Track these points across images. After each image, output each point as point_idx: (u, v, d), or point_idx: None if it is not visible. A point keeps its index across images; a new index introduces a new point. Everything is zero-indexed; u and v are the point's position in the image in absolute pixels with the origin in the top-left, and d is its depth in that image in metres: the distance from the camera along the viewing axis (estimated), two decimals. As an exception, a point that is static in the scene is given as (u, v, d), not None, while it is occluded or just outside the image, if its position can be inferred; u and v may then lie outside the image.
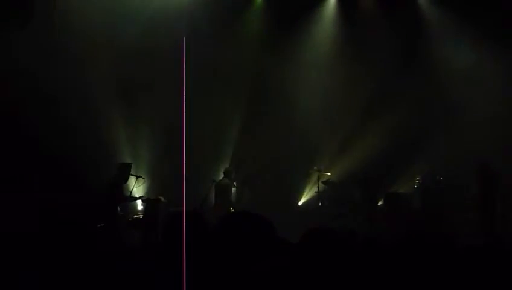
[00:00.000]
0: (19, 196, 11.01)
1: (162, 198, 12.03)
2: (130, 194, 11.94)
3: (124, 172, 11.64)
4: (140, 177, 12.28)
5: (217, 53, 13.73)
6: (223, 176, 13.07)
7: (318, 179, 13.40)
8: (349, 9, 14.63)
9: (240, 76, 14.08)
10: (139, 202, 12.45)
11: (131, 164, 11.90)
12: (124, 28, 13.05)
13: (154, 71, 13.29)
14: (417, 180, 13.92)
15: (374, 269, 4.24)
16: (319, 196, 13.48)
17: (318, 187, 13.43)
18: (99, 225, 10.04)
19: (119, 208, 11.45)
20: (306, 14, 14.65)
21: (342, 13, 14.71)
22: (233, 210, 12.22)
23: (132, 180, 11.98)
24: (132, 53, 13.14)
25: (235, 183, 13.32)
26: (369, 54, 14.32)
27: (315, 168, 13.55)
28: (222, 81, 13.90)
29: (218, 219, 3.13)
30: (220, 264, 2.85)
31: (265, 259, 2.55)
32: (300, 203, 14.46)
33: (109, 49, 12.91)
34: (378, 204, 13.51)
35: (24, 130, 11.78)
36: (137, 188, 12.25)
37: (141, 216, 12.11)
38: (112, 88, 13.09)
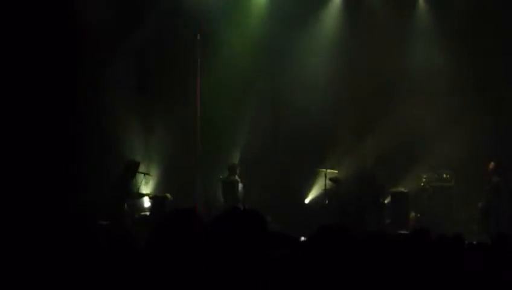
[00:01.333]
0: (25, 194, 11.07)
1: (168, 195, 12.07)
2: (137, 191, 11.97)
3: (132, 169, 11.67)
4: (148, 174, 12.32)
5: (225, 49, 13.79)
6: (228, 173, 13.10)
7: (325, 177, 13.37)
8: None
9: (248, 74, 14.06)
10: (146, 199, 12.48)
11: (139, 162, 11.93)
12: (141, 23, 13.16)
13: (166, 69, 13.35)
14: (424, 178, 13.90)
15: (380, 266, 4.24)
16: (326, 194, 13.45)
17: (325, 185, 13.41)
18: (103, 223, 10.09)
19: (126, 205, 11.49)
20: (312, 5, 14.63)
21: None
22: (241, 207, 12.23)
23: (139, 178, 12.02)
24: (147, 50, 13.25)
25: (240, 179, 13.35)
26: (375, 46, 14.31)
27: (322, 165, 13.53)
28: (231, 79, 13.90)
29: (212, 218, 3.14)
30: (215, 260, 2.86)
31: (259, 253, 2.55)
32: (307, 201, 14.44)
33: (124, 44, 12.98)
34: (385, 202, 13.48)
35: (32, 127, 11.84)
36: (144, 185, 12.29)
37: (148, 213, 12.15)
38: (125, 85, 13.11)
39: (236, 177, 13.08)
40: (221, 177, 13.18)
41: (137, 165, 11.80)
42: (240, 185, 13.18)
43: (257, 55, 14.17)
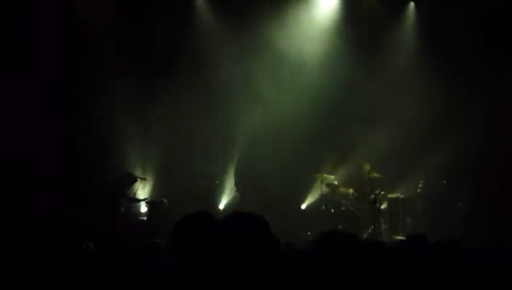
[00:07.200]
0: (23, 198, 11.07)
1: (165, 200, 12.07)
2: (134, 196, 11.98)
3: (126, 182, 11.71)
4: (145, 179, 12.30)
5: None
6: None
7: (322, 182, 13.36)
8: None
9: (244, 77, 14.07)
10: (142, 204, 12.47)
11: (136, 180, 11.92)
12: None
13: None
14: (420, 183, 13.90)
15: (376, 272, 4.23)
16: (322, 199, 13.44)
17: (321, 190, 13.39)
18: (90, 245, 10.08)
19: (122, 209, 11.50)
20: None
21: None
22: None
23: (136, 183, 12.03)
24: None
25: (238, 186, 13.38)
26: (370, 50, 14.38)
27: (319, 171, 13.52)
28: (228, 83, 13.91)
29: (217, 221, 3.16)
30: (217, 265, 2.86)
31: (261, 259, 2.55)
32: (304, 206, 14.43)
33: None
34: (382, 207, 13.48)
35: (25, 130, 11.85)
36: (141, 190, 12.28)
37: (145, 218, 12.14)
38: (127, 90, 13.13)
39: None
40: (217, 182, 13.20)
41: (133, 180, 11.84)
42: (236, 193, 13.25)
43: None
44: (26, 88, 11.92)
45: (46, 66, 12.20)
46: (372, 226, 12.28)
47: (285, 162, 14.09)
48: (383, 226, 13.10)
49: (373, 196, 12.00)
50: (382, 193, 13.30)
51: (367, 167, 12.86)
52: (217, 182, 13.17)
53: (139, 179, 12.05)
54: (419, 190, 13.90)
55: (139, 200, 12.22)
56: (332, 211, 13.17)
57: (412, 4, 14.94)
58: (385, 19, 14.64)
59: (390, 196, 13.70)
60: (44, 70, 12.17)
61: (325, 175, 13.43)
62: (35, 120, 12.02)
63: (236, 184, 13.49)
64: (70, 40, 12.51)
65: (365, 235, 12.46)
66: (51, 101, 12.39)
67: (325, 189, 13.39)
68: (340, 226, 12.68)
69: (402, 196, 13.76)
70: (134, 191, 12.01)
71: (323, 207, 13.33)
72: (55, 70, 12.32)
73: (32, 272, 3.41)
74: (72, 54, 12.50)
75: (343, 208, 13.07)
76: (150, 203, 12.19)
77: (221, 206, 13.62)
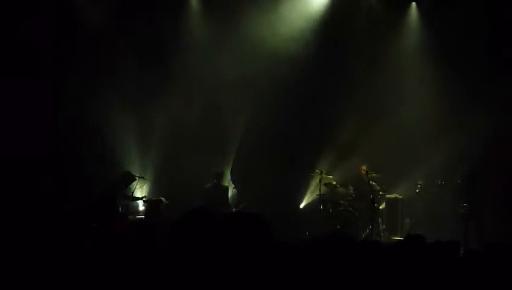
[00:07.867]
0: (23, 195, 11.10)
1: (163, 199, 12.07)
2: (132, 194, 11.98)
3: (126, 182, 11.71)
4: (143, 178, 12.31)
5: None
6: (215, 180, 13.09)
7: (320, 182, 13.36)
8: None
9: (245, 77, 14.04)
10: (140, 202, 12.47)
11: (135, 179, 11.93)
12: None
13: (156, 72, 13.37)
14: (419, 184, 13.92)
15: (374, 272, 4.24)
16: (320, 199, 13.45)
17: (320, 190, 13.40)
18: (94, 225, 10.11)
19: (121, 208, 11.50)
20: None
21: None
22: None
23: (135, 181, 12.03)
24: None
25: (236, 185, 13.38)
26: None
27: (317, 170, 13.52)
28: (226, 82, 13.89)
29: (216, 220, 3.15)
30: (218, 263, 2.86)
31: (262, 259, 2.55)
32: (302, 206, 14.44)
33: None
34: (380, 208, 13.49)
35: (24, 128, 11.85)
36: (139, 188, 12.28)
37: (143, 217, 12.15)
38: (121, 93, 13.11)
39: (225, 184, 13.18)
40: (215, 181, 13.17)
41: (132, 179, 11.85)
42: (235, 191, 13.23)
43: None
44: (26, 88, 11.92)
45: (46, 66, 12.21)
46: (371, 227, 12.28)
47: (284, 161, 14.09)
48: (381, 226, 13.12)
49: (371, 196, 12.00)
50: (381, 193, 13.31)
51: (365, 167, 12.89)
52: (215, 180, 13.12)
53: (137, 178, 12.05)
54: (417, 191, 13.93)
55: (138, 199, 12.22)
56: (331, 211, 13.18)
57: (413, 4, 14.94)
58: (385, 19, 14.62)
59: (388, 196, 13.73)
60: (44, 70, 12.18)
61: (324, 175, 13.44)
62: (35, 120, 12.03)
63: (234, 183, 13.49)
64: (70, 40, 12.51)
65: (363, 236, 12.47)
66: (51, 101, 12.40)
67: (323, 189, 13.40)
68: (338, 226, 12.68)
69: (400, 197, 13.79)
70: (132, 190, 12.01)
71: (322, 207, 13.34)
72: (55, 70, 12.33)
73: (30, 271, 3.41)
74: (70, 54, 12.50)
75: (341, 208, 13.08)
76: (148, 201, 12.19)
77: (220, 205, 13.60)
